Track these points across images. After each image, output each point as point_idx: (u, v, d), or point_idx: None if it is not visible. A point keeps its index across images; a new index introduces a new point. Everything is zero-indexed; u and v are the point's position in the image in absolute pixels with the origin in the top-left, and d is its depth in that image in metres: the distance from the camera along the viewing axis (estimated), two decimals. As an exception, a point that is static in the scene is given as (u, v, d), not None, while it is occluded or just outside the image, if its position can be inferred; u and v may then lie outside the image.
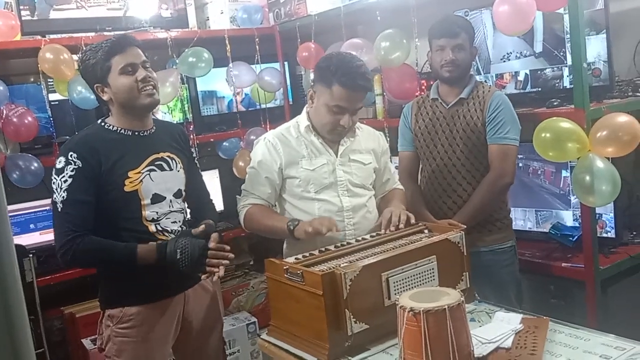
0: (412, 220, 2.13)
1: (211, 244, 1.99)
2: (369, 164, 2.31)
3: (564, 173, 2.69)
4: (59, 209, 1.96)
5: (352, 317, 1.67)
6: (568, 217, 2.71)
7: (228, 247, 2.07)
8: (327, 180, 2.22)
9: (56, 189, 1.97)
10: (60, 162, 1.98)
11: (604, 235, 2.57)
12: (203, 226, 2.07)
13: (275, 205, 2.33)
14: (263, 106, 3.75)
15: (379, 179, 2.39)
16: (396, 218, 2.11)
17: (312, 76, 2.69)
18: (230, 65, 3.53)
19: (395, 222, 2.10)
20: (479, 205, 2.40)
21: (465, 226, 2.05)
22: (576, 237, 2.56)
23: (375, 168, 2.34)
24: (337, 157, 2.25)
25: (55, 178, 1.98)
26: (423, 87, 3.04)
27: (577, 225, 2.62)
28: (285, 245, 2.32)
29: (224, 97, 3.88)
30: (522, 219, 2.86)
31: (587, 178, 2.13)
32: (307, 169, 2.22)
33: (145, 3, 3.44)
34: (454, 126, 2.46)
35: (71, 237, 1.93)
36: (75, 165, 1.96)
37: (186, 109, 3.63)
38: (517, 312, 1.86)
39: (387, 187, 2.43)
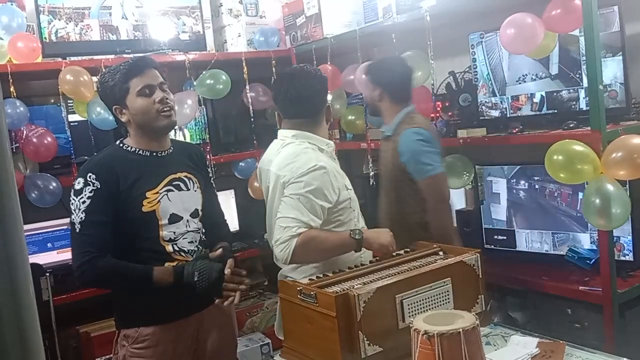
0: None
1: (227, 270, 2.01)
2: None
3: (581, 195, 2.66)
4: (77, 230, 1.98)
5: (365, 339, 1.66)
6: (585, 240, 2.68)
7: (244, 272, 2.08)
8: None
9: (74, 210, 1.99)
10: (79, 183, 2.00)
11: (622, 258, 2.54)
12: (220, 250, 2.09)
13: None
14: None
15: None
16: None
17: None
18: (247, 87, 3.56)
19: None
20: (437, 234, 2.47)
21: None
22: (593, 260, 2.53)
23: None
24: None
25: (73, 199, 2.00)
26: (438, 109, 3.05)
27: (595, 248, 2.59)
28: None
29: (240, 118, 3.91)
30: (538, 242, 2.83)
31: (597, 201, 2.12)
32: (350, 189, 2.27)
33: (164, 26, 3.49)
34: (382, 161, 2.76)
35: (88, 258, 1.95)
36: (93, 186, 1.98)
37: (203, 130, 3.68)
38: (533, 336, 1.84)
39: None
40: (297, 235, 2.02)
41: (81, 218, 1.97)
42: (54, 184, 3.01)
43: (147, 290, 2.02)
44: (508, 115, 2.84)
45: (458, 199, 3.15)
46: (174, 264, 2.07)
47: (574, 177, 2.20)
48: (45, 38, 3.13)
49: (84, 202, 1.98)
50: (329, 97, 3.37)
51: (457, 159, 3.01)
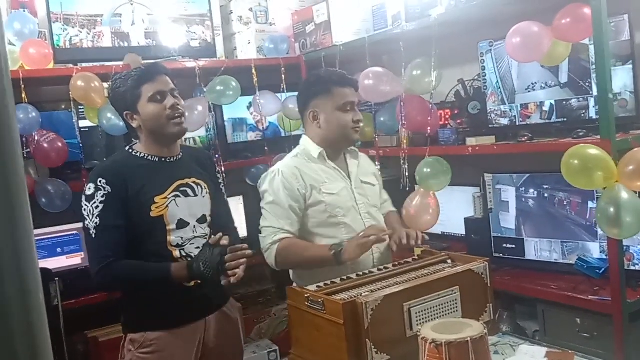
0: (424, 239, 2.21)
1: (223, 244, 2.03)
2: (375, 185, 2.44)
3: (591, 204, 2.65)
4: (93, 235, 2.00)
5: (373, 347, 1.66)
6: (595, 249, 2.67)
7: (245, 245, 2.07)
8: (350, 203, 2.29)
9: (88, 216, 2.00)
10: (90, 189, 2.02)
11: (632, 267, 2.52)
12: (220, 234, 2.09)
13: None
14: (289, 134, 3.78)
15: (380, 200, 2.50)
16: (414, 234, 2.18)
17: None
18: (257, 93, 3.58)
19: (415, 236, 2.16)
20: None
21: None
22: (603, 269, 2.51)
23: (379, 189, 2.48)
24: (352, 181, 2.33)
25: (86, 205, 2.02)
26: (447, 117, 3.04)
27: (604, 257, 2.58)
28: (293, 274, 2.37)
29: (252, 124, 3.93)
30: (547, 250, 2.82)
31: (612, 210, 2.10)
32: (331, 193, 2.27)
33: (175, 33, 3.52)
34: None
35: (106, 263, 1.97)
36: (105, 190, 2.00)
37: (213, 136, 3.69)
38: (542, 345, 1.83)
39: (386, 209, 2.53)
40: (275, 242, 2.21)
41: (96, 223, 1.99)
42: (64, 189, 3.03)
43: (155, 294, 2.04)
44: (517, 124, 2.84)
45: (467, 207, 3.13)
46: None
47: (589, 182, 2.18)
48: (59, 45, 3.16)
49: (97, 207, 1.99)
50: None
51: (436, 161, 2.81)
